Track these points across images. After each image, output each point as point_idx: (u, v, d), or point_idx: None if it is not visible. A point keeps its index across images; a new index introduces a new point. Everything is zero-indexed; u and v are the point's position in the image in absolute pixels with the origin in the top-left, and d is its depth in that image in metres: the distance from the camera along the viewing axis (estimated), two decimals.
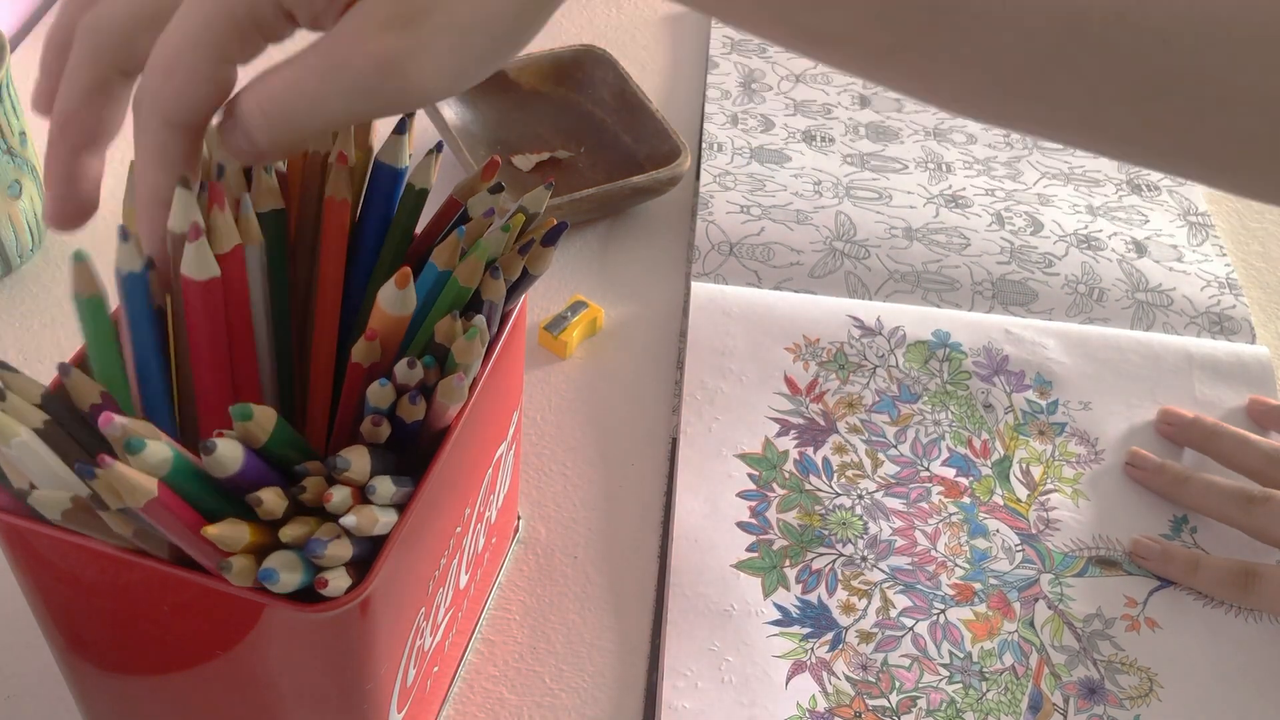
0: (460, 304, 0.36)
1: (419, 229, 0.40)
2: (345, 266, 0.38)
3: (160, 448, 0.29)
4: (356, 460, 0.31)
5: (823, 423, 0.55)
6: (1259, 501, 0.50)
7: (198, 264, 0.32)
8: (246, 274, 0.34)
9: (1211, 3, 0.31)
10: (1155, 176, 0.71)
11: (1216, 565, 0.49)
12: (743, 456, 0.53)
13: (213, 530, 0.29)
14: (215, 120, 0.33)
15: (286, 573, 0.30)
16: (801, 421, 0.55)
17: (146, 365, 0.34)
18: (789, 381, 0.57)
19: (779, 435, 0.54)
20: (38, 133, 0.69)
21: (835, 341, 0.59)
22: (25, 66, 0.74)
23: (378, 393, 0.33)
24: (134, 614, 0.35)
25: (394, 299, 0.34)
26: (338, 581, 0.31)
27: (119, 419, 0.28)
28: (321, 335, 0.38)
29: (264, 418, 0.30)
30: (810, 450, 0.54)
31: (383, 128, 0.39)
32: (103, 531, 0.31)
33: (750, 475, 0.53)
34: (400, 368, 0.33)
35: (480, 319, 0.34)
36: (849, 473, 0.53)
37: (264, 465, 0.31)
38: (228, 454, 0.29)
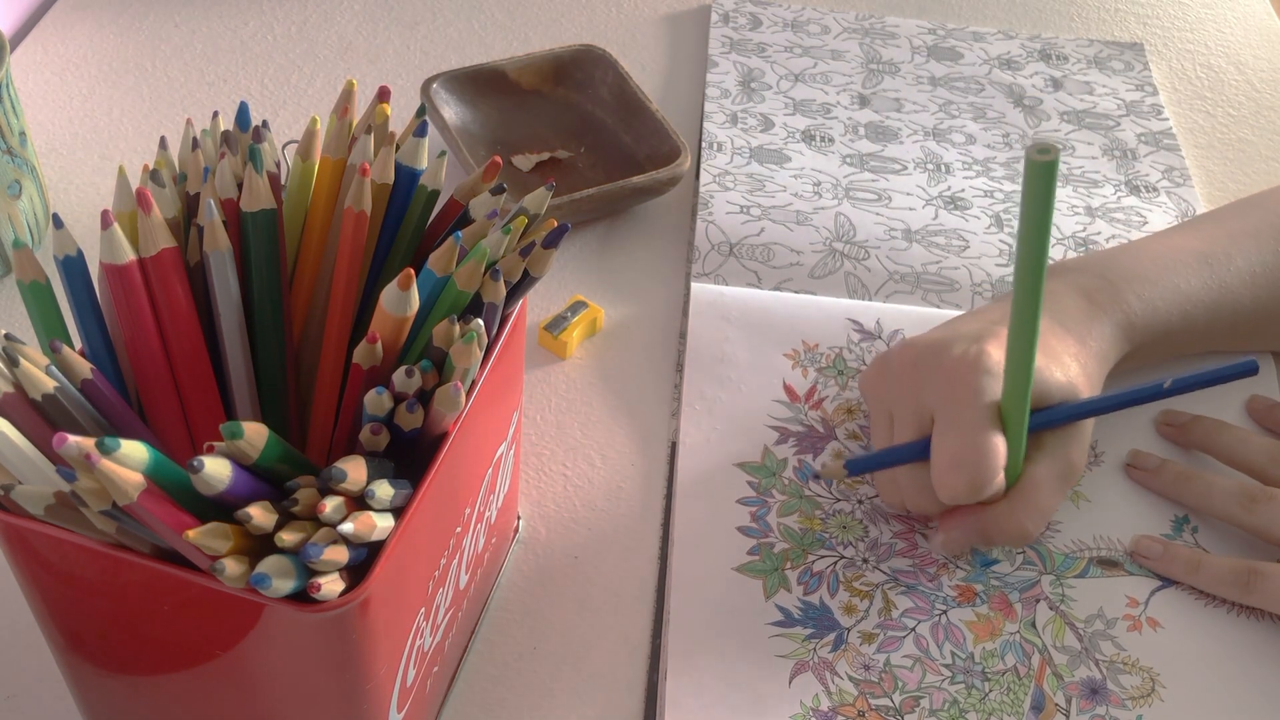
0: (459, 308, 0.36)
1: None
2: (362, 277, 0.38)
3: (136, 447, 0.28)
4: (353, 471, 0.31)
5: (821, 430, 0.55)
6: (1261, 500, 0.50)
7: (111, 250, 0.34)
8: (185, 277, 0.35)
9: None
10: (1154, 178, 0.71)
11: (1218, 564, 0.49)
12: (742, 465, 0.53)
13: (194, 534, 0.29)
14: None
15: (279, 579, 0.29)
16: (800, 429, 0.55)
17: (95, 347, 0.35)
18: (788, 389, 0.57)
19: (778, 443, 0.54)
20: (38, 133, 0.69)
21: (834, 346, 0.59)
22: (25, 66, 0.74)
23: (375, 401, 0.33)
24: (133, 614, 0.35)
25: (396, 300, 0.34)
26: (331, 586, 0.30)
27: (73, 439, 0.27)
28: (330, 342, 0.38)
29: (255, 435, 0.30)
30: (809, 457, 0.54)
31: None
32: (88, 528, 0.31)
33: (750, 483, 0.53)
34: (398, 376, 0.33)
35: (478, 323, 0.34)
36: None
37: (253, 480, 0.31)
38: (215, 472, 0.29)
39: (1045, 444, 0.48)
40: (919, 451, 0.48)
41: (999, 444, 0.46)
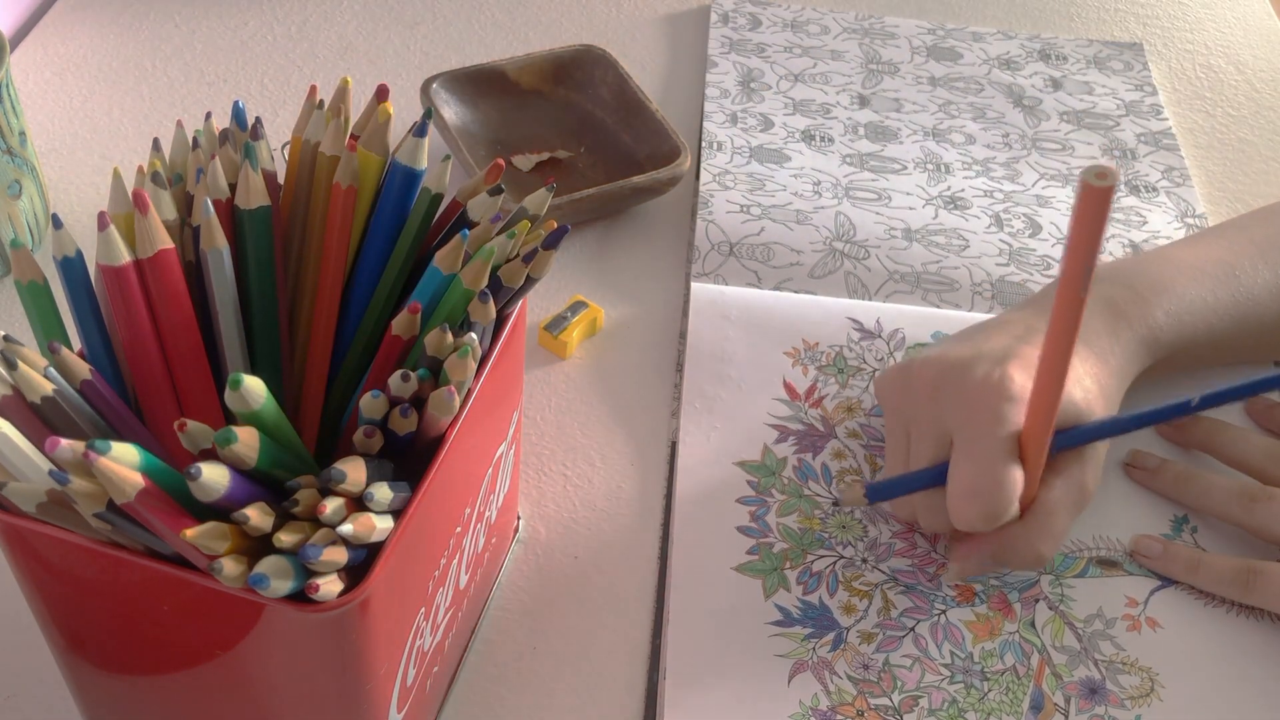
0: (467, 301, 0.36)
1: None
2: (348, 260, 0.38)
3: (128, 450, 0.28)
4: (352, 472, 0.31)
5: (821, 428, 0.55)
6: (1260, 499, 0.50)
7: (107, 251, 0.33)
8: (182, 278, 0.35)
9: None
10: (1154, 178, 0.71)
11: (1218, 564, 0.49)
12: (742, 464, 0.53)
13: (191, 534, 0.29)
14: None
15: (278, 579, 0.29)
16: (800, 427, 0.55)
17: (94, 348, 0.35)
18: (788, 387, 0.57)
19: (777, 442, 0.54)
20: (38, 133, 0.69)
21: (834, 345, 0.59)
22: (25, 66, 0.74)
23: (370, 404, 0.33)
24: (131, 614, 0.35)
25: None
26: (329, 587, 0.30)
27: (65, 443, 0.27)
28: (318, 336, 0.38)
29: (248, 438, 0.30)
30: (809, 456, 0.54)
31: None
32: (83, 525, 0.31)
33: (749, 482, 0.53)
34: (394, 380, 0.33)
35: (471, 337, 0.34)
36: (848, 478, 0.53)
37: (250, 484, 0.31)
38: (213, 479, 0.29)
39: (1059, 467, 0.47)
40: (938, 477, 0.47)
41: (1016, 474, 0.45)
